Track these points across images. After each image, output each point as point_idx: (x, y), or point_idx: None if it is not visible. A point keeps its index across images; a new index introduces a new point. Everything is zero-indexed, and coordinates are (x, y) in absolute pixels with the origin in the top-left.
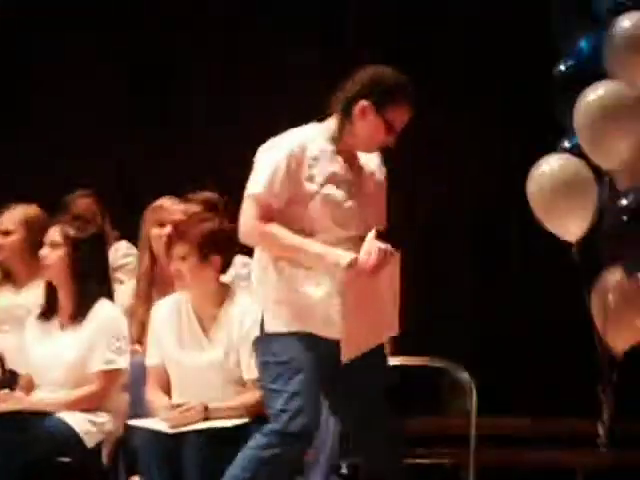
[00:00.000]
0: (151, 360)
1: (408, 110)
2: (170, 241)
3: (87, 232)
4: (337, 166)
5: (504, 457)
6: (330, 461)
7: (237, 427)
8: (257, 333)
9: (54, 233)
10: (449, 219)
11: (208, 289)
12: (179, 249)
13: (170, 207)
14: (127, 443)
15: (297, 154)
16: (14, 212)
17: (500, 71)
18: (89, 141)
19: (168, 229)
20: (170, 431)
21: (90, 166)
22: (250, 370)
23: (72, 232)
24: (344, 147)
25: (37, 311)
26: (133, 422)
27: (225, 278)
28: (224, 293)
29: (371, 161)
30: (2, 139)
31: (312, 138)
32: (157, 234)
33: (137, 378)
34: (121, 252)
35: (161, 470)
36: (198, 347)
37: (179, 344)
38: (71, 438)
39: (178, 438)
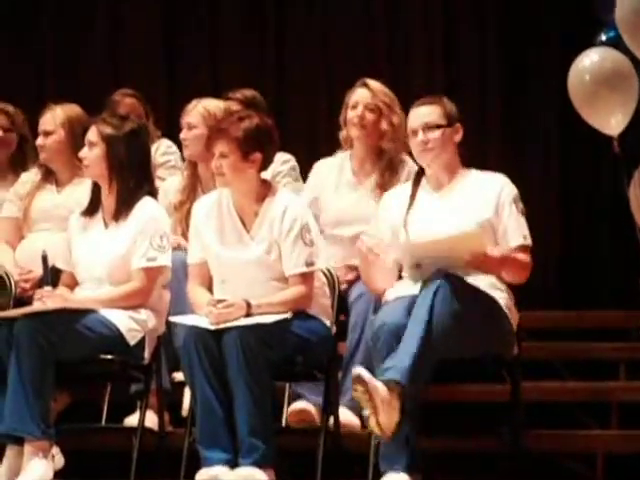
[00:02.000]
0: (192, 257)
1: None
2: (210, 139)
3: (123, 129)
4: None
5: (548, 350)
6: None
7: (278, 322)
8: (297, 229)
9: (91, 133)
10: None
11: (249, 186)
12: (220, 146)
13: (194, 108)
14: (169, 340)
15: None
16: (55, 112)
17: None
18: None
19: (197, 131)
20: (212, 327)
21: (137, 65)
22: (291, 266)
23: (108, 130)
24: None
25: (80, 209)
26: (175, 319)
27: (265, 175)
28: (265, 190)
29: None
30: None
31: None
32: (182, 137)
33: (179, 275)
34: (161, 150)
35: (203, 366)
36: (239, 243)
37: (220, 240)
38: (113, 335)
39: (220, 334)
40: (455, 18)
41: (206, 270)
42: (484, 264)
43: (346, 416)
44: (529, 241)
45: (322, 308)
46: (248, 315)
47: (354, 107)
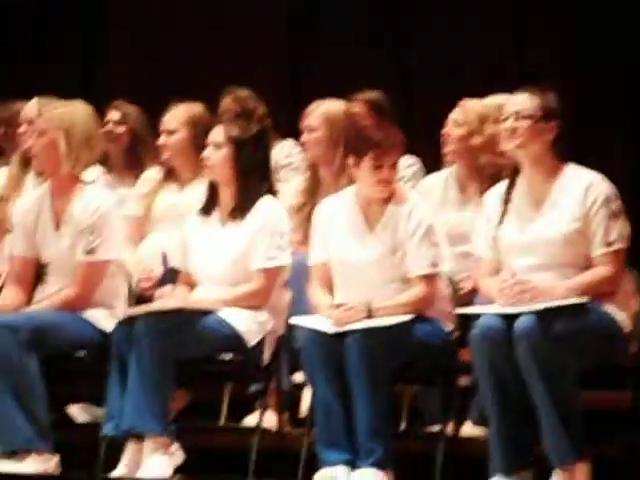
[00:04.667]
0: (315, 258)
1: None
2: (371, 149)
3: (250, 131)
4: None
5: None
6: None
7: (400, 326)
8: (423, 230)
9: (217, 133)
10: None
11: None
12: (393, 157)
13: (315, 110)
14: (289, 341)
15: None
16: (178, 111)
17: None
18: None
19: (318, 134)
20: (333, 330)
21: (257, 64)
22: (416, 267)
23: (235, 132)
24: None
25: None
26: (295, 320)
27: None
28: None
29: None
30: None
31: None
32: (303, 140)
33: (300, 276)
34: (285, 152)
35: (323, 368)
36: (363, 244)
37: (343, 242)
38: (232, 336)
39: (341, 336)
40: None
41: (328, 271)
42: None
43: (472, 431)
44: (617, 245)
45: (444, 313)
46: (369, 317)
47: (446, 125)
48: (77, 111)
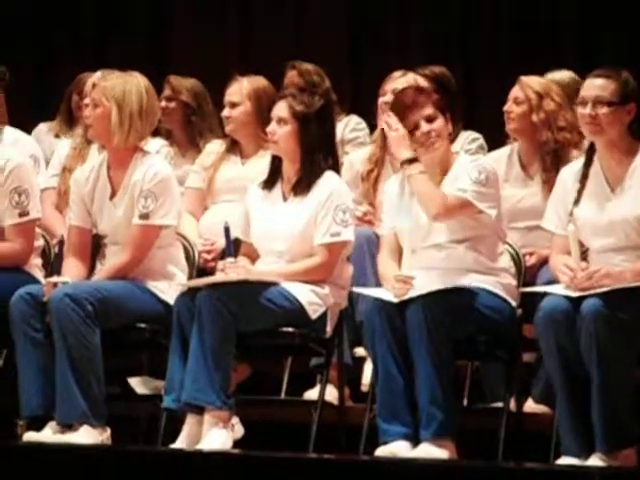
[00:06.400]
0: (384, 228)
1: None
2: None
3: (314, 106)
4: None
5: None
6: None
7: (463, 297)
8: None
9: (281, 108)
10: None
11: (436, 157)
12: (410, 115)
13: (402, 76)
14: (351, 315)
15: None
16: (241, 84)
17: None
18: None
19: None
20: (395, 300)
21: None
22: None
23: (299, 107)
24: None
25: (259, 181)
26: (359, 290)
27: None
28: (449, 162)
29: None
30: None
31: None
32: (385, 101)
33: (363, 250)
34: (350, 127)
35: (385, 337)
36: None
37: (410, 208)
38: (295, 308)
39: (404, 307)
40: None
41: (396, 242)
42: None
43: (536, 409)
44: None
45: (508, 288)
46: None
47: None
48: (131, 82)
